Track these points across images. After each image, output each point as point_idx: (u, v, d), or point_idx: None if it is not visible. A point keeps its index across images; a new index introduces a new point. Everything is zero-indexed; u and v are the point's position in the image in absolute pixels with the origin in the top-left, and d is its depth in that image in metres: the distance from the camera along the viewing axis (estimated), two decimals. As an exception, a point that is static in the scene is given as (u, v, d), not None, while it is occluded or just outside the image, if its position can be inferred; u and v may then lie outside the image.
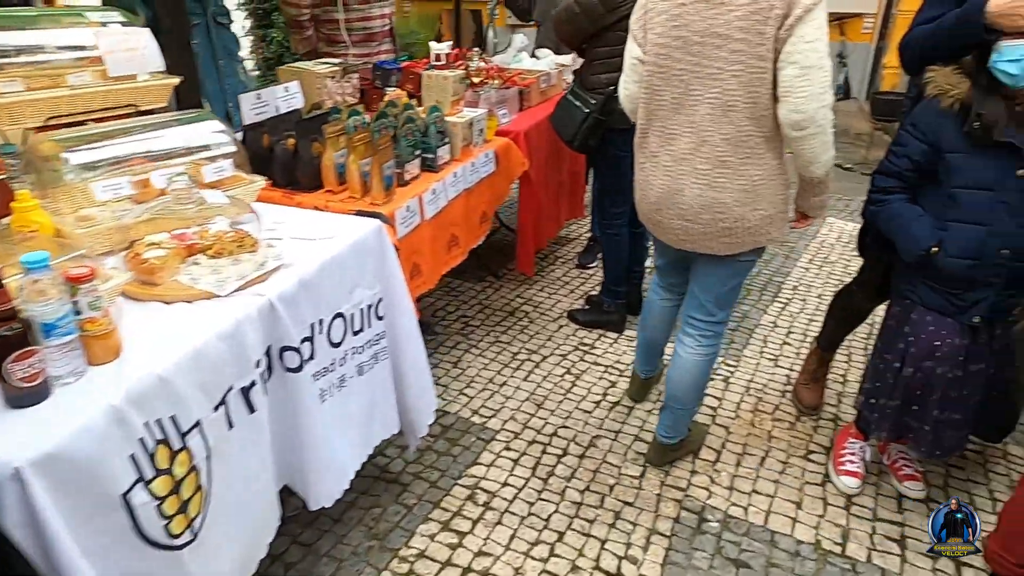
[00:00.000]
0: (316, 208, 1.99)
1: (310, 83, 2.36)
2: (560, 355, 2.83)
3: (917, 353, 1.77)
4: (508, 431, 2.38)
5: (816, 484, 2.18)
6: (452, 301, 3.24)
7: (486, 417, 2.45)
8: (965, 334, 1.74)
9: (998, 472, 2.24)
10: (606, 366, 2.76)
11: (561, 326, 3.05)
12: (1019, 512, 1.58)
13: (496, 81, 3.07)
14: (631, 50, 1.90)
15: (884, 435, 2.00)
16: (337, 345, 1.65)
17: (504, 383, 2.65)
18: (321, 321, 1.58)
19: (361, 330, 1.74)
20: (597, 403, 2.54)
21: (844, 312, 2.36)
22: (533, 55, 3.64)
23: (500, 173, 2.70)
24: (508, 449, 2.30)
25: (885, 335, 1.90)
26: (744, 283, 2.55)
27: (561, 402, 2.54)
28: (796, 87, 1.58)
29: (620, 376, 2.70)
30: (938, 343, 1.75)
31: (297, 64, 2.47)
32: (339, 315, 1.65)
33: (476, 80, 3.06)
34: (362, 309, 1.74)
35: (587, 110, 2.51)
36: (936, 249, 1.67)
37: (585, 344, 2.92)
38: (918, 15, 1.77)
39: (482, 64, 3.15)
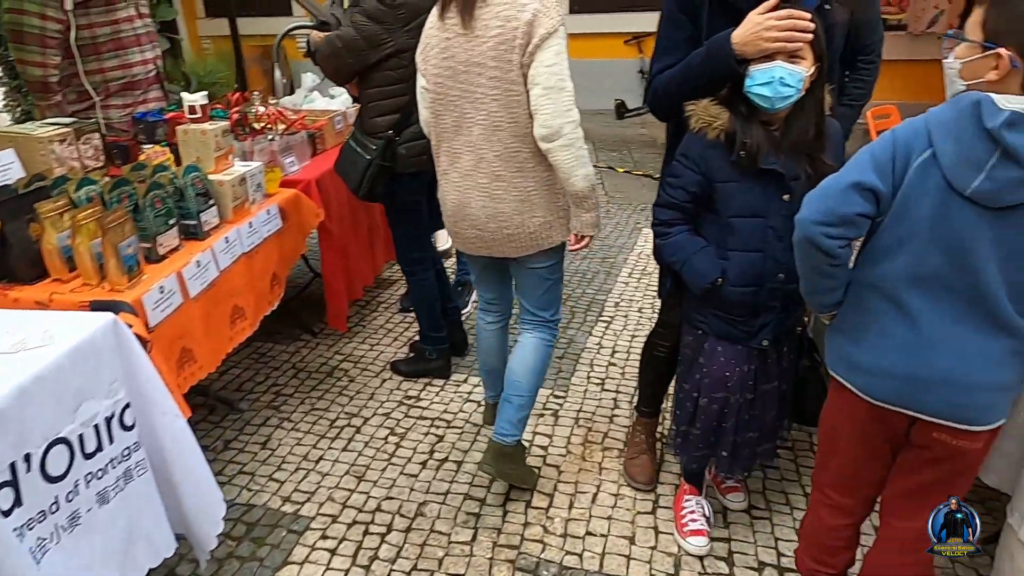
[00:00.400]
0: (38, 304, 1.65)
1: (32, 150, 1.99)
2: (383, 414, 2.63)
3: (711, 384, 1.78)
4: (325, 515, 2.14)
5: (647, 512, 2.15)
6: (261, 369, 2.93)
7: (299, 503, 2.19)
8: (754, 359, 1.76)
9: (807, 465, 2.35)
10: (432, 419, 2.60)
11: (384, 380, 2.85)
12: (817, 525, 1.62)
13: (280, 126, 2.83)
14: (419, 80, 2.01)
15: (693, 465, 2.01)
16: (59, 479, 1.34)
17: (321, 458, 2.40)
18: (28, 456, 1.27)
19: (99, 450, 1.44)
20: (424, 463, 2.37)
21: (655, 366, 2.20)
22: (329, 94, 3.43)
23: (289, 228, 2.47)
24: (325, 538, 2.06)
25: (683, 364, 1.90)
26: (569, 305, 2.56)
27: (384, 469, 2.34)
28: (542, 105, 1.77)
29: (448, 428, 2.55)
30: (728, 373, 1.75)
31: (12, 128, 2.08)
32: (60, 441, 1.34)
33: (258, 127, 2.80)
34: (97, 425, 1.44)
35: (368, 156, 2.36)
36: (721, 281, 1.67)
37: (410, 397, 2.74)
38: (653, 68, 1.76)
39: (263, 109, 2.89)
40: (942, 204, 1.20)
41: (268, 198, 2.39)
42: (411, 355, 2.96)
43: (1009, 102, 1.11)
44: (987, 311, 1.24)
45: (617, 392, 2.75)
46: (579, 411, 2.65)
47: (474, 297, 3.49)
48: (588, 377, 2.86)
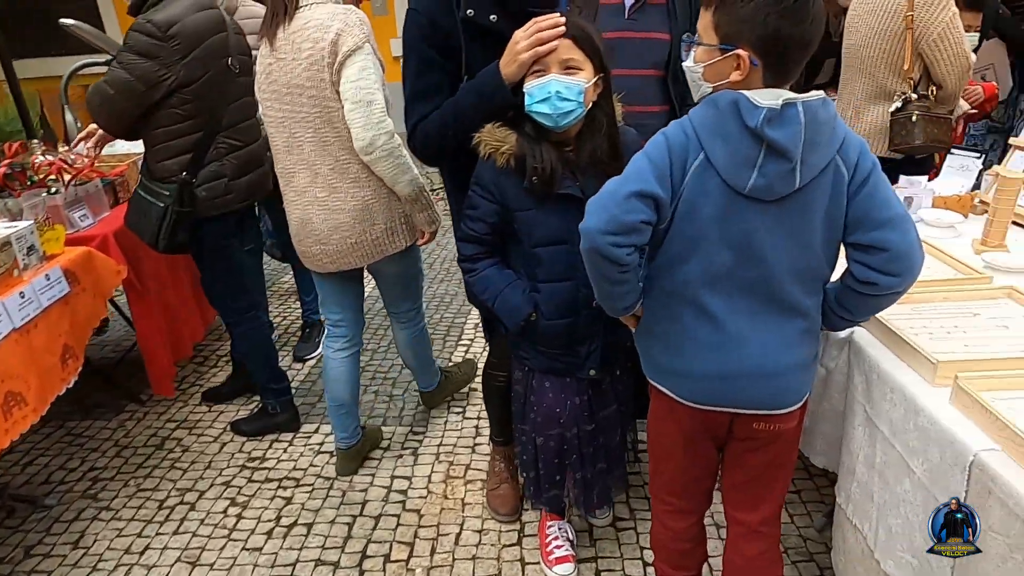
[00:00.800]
0: None
1: None
2: (222, 483, 2.36)
3: (544, 422, 1.70)
4: (150, 617, 1.87)
5: (512, 545, 2.05)
6: (76, 453, 2.56)
7: (118, 608, 1.90)
8: (585, 388, 1.68)
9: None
10: (279, 480, 2.37)
11: (224, 444, 2.58)
12: (664, 533, 1.57)
13: (67, 177, 2.50)
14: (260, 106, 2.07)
15: (548, 507, 1.92)
16: None
17: (147, 547, 2.10)
18: None
19: None
20: (269, 533, 2.14)
21: (497, 395, 2.10)
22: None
23: (82, 292, 2.16)
24: (149, 644, 1.79)
25: (516, 402, 1.81)
26: (427, 330, 2.53)
27: (223, 548, 2.09)
28: (354, 119, 1.83)
29: (297, 487, 2.33)
30: (559, 409, 1.68)
31: None
32: None
33: (38, 179, 2.46)
34: None
35: (163, 204, 2.11)
36: (535, 316, 1.58)
37: (254, 459, 2.49)
38: (411, 115, 1.62)
39: (47, 157, 2.55)
40: (724, 204, 1.19)
41: (48, 260, 2.08)
42: (254, 411, 2.71)
43: (763, 98, 1.11)
44: (779, 299, 1.25)
45: (479, 419, 2.65)
46: (440, 445, 2.52)
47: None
48: (448, 407, 2.74)
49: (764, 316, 1.25)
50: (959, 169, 2.17)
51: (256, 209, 3.00)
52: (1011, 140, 2.10)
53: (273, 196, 2.89)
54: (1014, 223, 1.94)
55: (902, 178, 2.10)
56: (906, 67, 2.39)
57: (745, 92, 1.12)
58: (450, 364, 3.03)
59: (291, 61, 1.86)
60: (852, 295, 1.27)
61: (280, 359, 3.12)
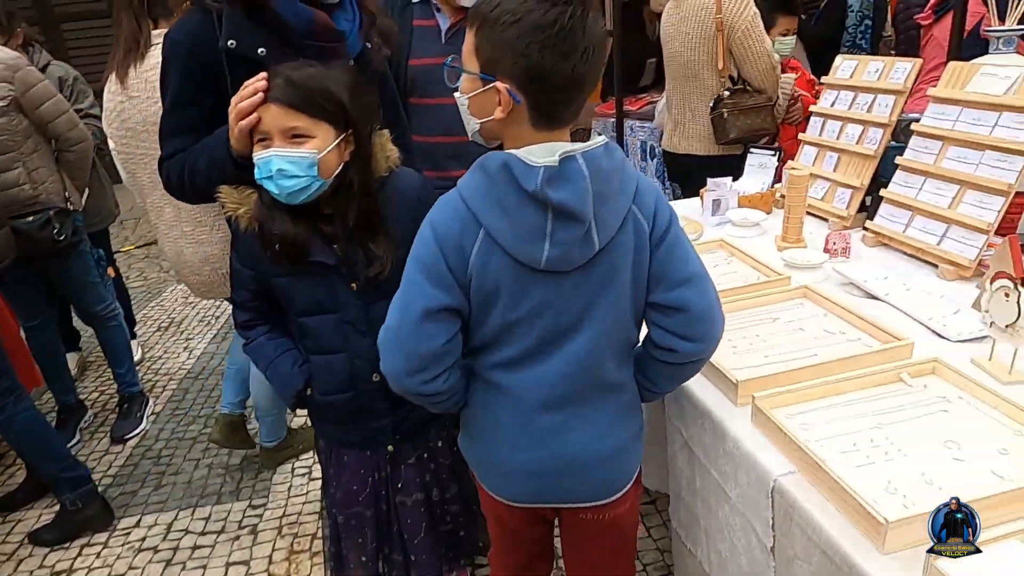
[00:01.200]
0: None
1: None
2: (17, 613, 2.01)
3: (343, 498, 1.54)
4: None
5: (365, 620, 1.88)
6: None
7: None
8: (384, 465, 1.53)
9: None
10: (90, 593, 2.05)
11: (22, 561, 2.20)
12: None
13: None
14: (110, 142, 2.14)
15: None
16: None
17: None
18: None
19: None
20: (75, 664, 1.83)
21: None
22: None
23: None
24: None
25: (322, 474, 1.65)
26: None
27: None
28: None
29: (112, 598, 2.03)
30: (356, 487, 1.52)
31: None
32: None
33: None
34: None
35: None
36: (309, 390, 1.43)
37: (58, 573, 2.13)
38: (163, 149, 1.42)
39: None
40: (518, 285, 1.04)
41: None
42: (56, 516, 2.33)
43: (536, 156, 0.96)
44: (594, 378, 1.12)
45: (326, 478, 2.44)
46: (283, 516, 2.29)
47: (83, 424, 2.90)
48: (293, 469, 2.51)
49: (580, 400, 1.12)
50: (759, 167, 2.25)
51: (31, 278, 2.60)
52: (800, 135, 2.21)
53: (56, 260, 2.53)
54: (811, 215, 2.04)
55: (709, 181, 2.14)
56: (720, 67, 2.49)
57: (515, 152, 0.97)
58: (291, 422, 2.80)
59: (145, 99, 1.93)
60: (653, 363, 1.15)
61: (95, 442, 2.78)
